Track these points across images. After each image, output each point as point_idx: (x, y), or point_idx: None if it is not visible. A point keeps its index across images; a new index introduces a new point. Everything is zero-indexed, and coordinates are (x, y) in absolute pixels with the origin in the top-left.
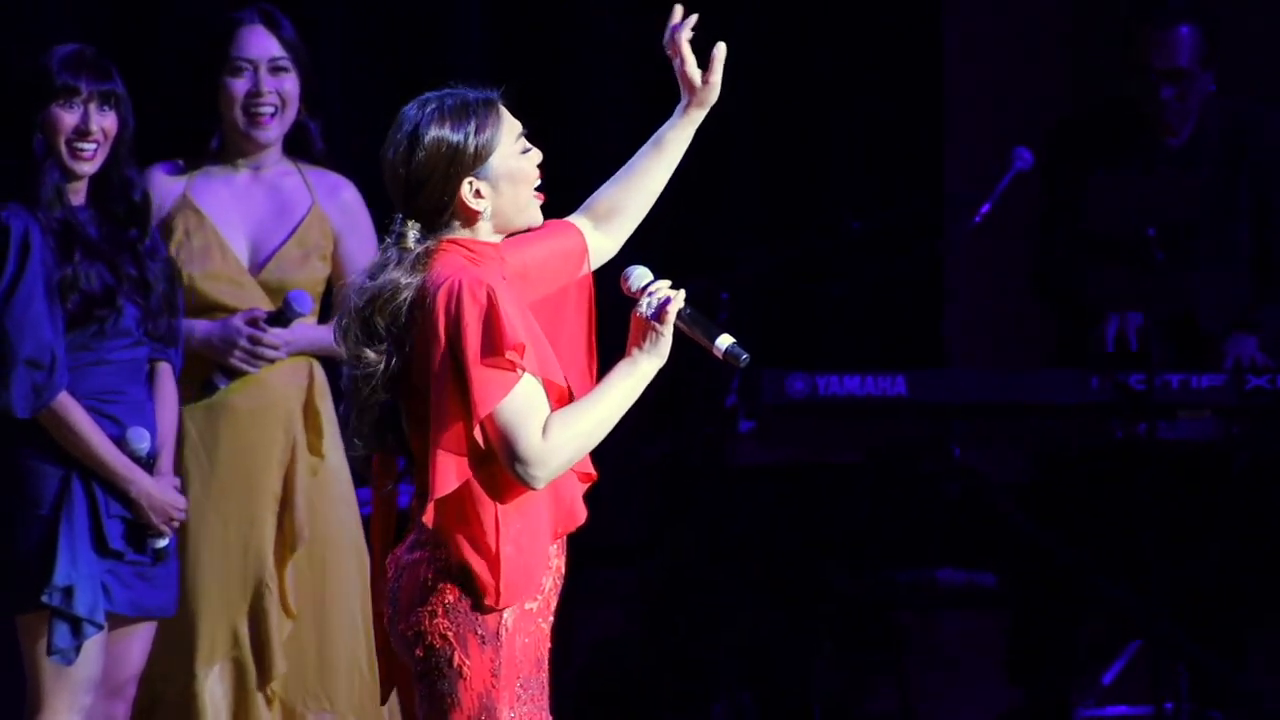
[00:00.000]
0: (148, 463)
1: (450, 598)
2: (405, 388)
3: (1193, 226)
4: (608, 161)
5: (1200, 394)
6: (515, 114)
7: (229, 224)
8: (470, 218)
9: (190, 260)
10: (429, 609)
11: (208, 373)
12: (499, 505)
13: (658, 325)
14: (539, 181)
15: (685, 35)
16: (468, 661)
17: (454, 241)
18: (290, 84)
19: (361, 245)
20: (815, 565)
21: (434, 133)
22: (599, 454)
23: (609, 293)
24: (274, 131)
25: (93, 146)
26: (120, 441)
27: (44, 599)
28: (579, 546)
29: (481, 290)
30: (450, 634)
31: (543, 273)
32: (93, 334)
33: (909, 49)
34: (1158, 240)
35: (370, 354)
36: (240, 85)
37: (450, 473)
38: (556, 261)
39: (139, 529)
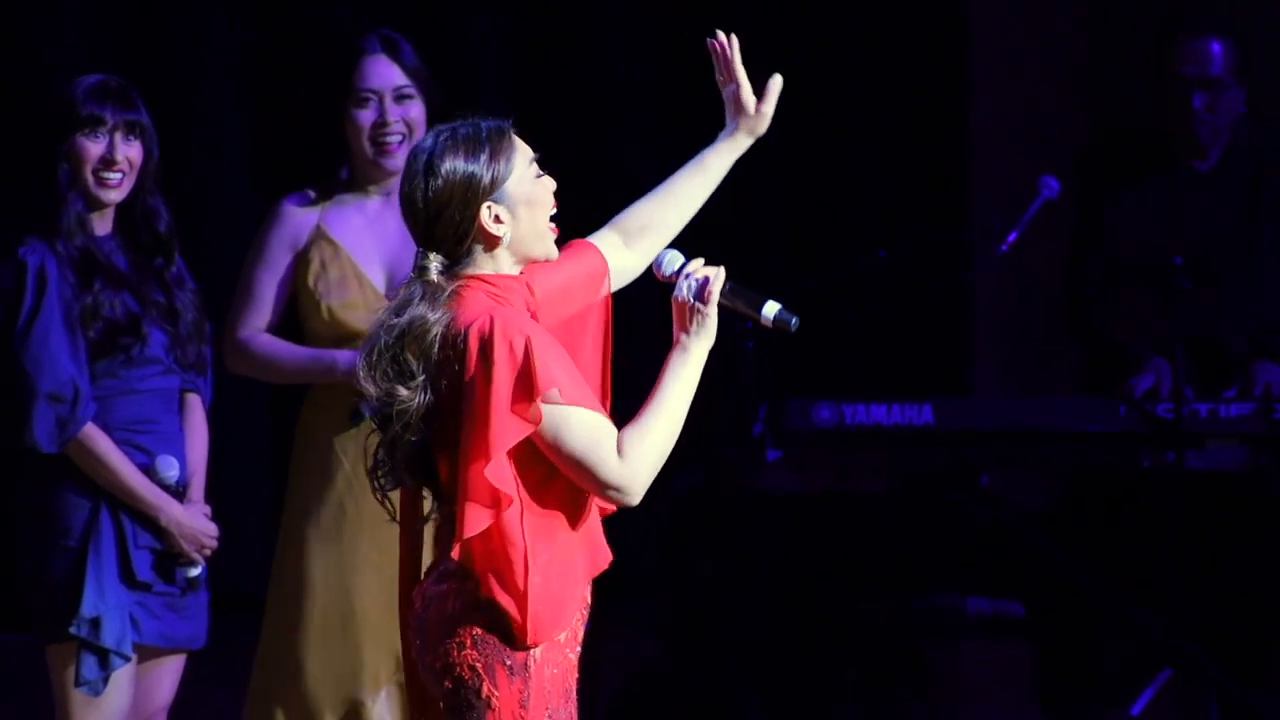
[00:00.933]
0: (177, 491)
1: (478, 630)
2: (436, 424)
3: (1220, 251)
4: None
5: (1228, 423)
6: (532, 142)
7: (364, 253)
8: (491, 243)
9: (328, 291)
10: (457, 641)
11: (353, 403)
12: (528, 544)
13: (702, 307)
14: (554, 209)
15: (737, 60)
16: (496, 693)
17: (478, 278)
18: (416, 111)
19: None
20: (841, 594)
21: (449, 162)
22: None
23: (629, 309)
24: (402, 159)
25: (118, 176)
26: (149, 471)
27: (72, 630)
28: (605, 576)
29: (518, 336)
30: (479, 665)
31: (564, 297)
32: (120, 363)
33: (935, 78)
34: (1185, 268)
35: (403, 391)
36: (366, 116)
37: (479, 513)
38: (577, 285)
39: (168, 560)
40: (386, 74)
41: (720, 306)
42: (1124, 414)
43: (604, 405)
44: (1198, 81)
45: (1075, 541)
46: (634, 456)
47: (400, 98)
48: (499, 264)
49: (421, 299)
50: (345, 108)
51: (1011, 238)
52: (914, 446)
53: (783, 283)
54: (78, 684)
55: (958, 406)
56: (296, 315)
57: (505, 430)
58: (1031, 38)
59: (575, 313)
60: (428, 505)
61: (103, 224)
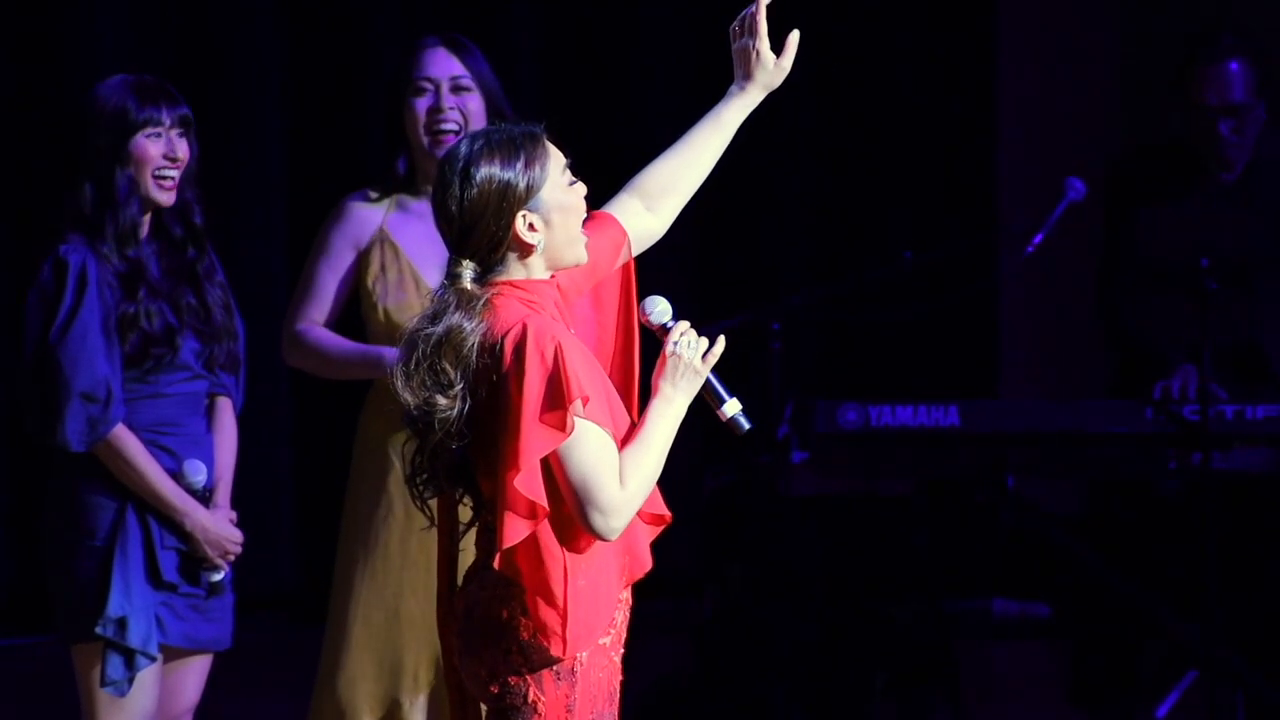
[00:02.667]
0: (204, 495)
1: (524, 635)
2: (475, 431)
3: (1251, 258)
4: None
5: (1255, 424)
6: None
7: (422, 256)
8: (525, 251)
9: (386, 293)
10: (503, 647)
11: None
12: (567, 554)
13: (700, 368)
14: (585, 214)
15: (763, 14)
16: (543, 698)
17: (510, 284)
18: (474, 103)
19: None
20: (869, 596)
21: (484, 170)
22: (660, 484)
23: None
24: None
25: (176, 174)
26: (176, 475)
27: (97, 630)
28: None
29: (549, 344)
30: (525, 671)
31: (588, 275)
32: (149, 369)
33: (962, 81)
34: (1211, 271)
35: (442, 400)
36: (422, 104)
37: (518, 524)
38: (601, 259)
39: (194, 561)
40: (444, 64)
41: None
42: (1150, 416)
43: (633, 373)
44: (1222, 110)
45: (1101, 542)
46: (632, 487)
47: (457, 88)
48: (531, 270)
49: (456, 307)
50: (404, 99)
51: (1037, 239)
52: (940, 448)
53: (809, 286)
54: (103, 684)
55: (984, 408)
56: (359, 313)
57: (535, 440)
58: (1059, 41)
59: (597, 283)
60: (467, 512)
61: (144, 227)
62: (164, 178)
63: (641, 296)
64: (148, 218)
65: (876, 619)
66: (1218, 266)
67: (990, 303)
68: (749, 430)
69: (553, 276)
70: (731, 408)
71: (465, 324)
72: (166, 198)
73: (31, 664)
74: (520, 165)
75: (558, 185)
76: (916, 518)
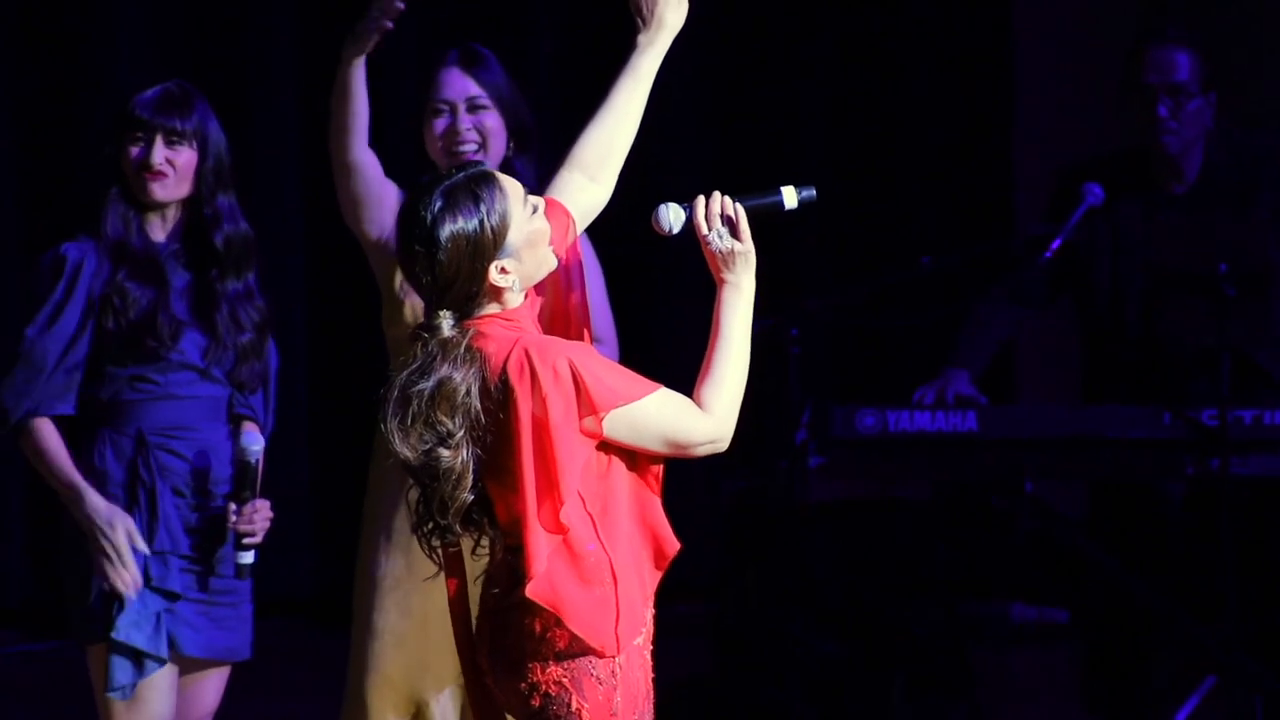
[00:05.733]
0: (253, 469)
1: (561, 644)
2: (490, 473)
3: (1196, 271)
4: None
5: (1273, 430)
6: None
7: None
8: (500, 294)
9: (407, 293)
10: (541, 658)
11: None
12: (610, 555)
13: (740, 247)
14: (551, 233)
15: None
16: (586, 705)
17: (488, 318)
18: (491, 120)
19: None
20: (886, 601)
21: (448, 229)
22: (680, 488)
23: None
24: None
25: (158, 180)
26: (238, 447)
27: (107, 633)
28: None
29: (561, 360)
30: (565, 680)
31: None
32: (152, 367)
33: (980, 85)
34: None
35: (444, 452)
36: (440, 125)
37: (543, 547)
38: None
39: (198, 566)
40: (460, 85)
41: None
42: (1168, 421)
43: (587, 335)
44: (1162, 88)
45: (1119, 547)
46: (717, 407)
47: (473, 108)
48: (508, 302)
49: (442, 358)
50: (425, 120)
51: (1055, 244)
52: (958, 453)
53: (826, 290)
54: (109, 689)
55: (1002, 413)
56: (380, 323)
57: (571, 459)
58: (1076, 45)
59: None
60: (477, 545)
61: (161, 226)
62: (144, 179)
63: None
64: (166, 217)
65: (894, 624)
66: (1163, 280)
67: None
68: (813, 195)
69: (526, 295)
70: (790, 199)
71: (455, 375)
72: (156, 191)
73: (50, 669)
74: (482, 215)
75: (521, 222)
76: (934, 523)
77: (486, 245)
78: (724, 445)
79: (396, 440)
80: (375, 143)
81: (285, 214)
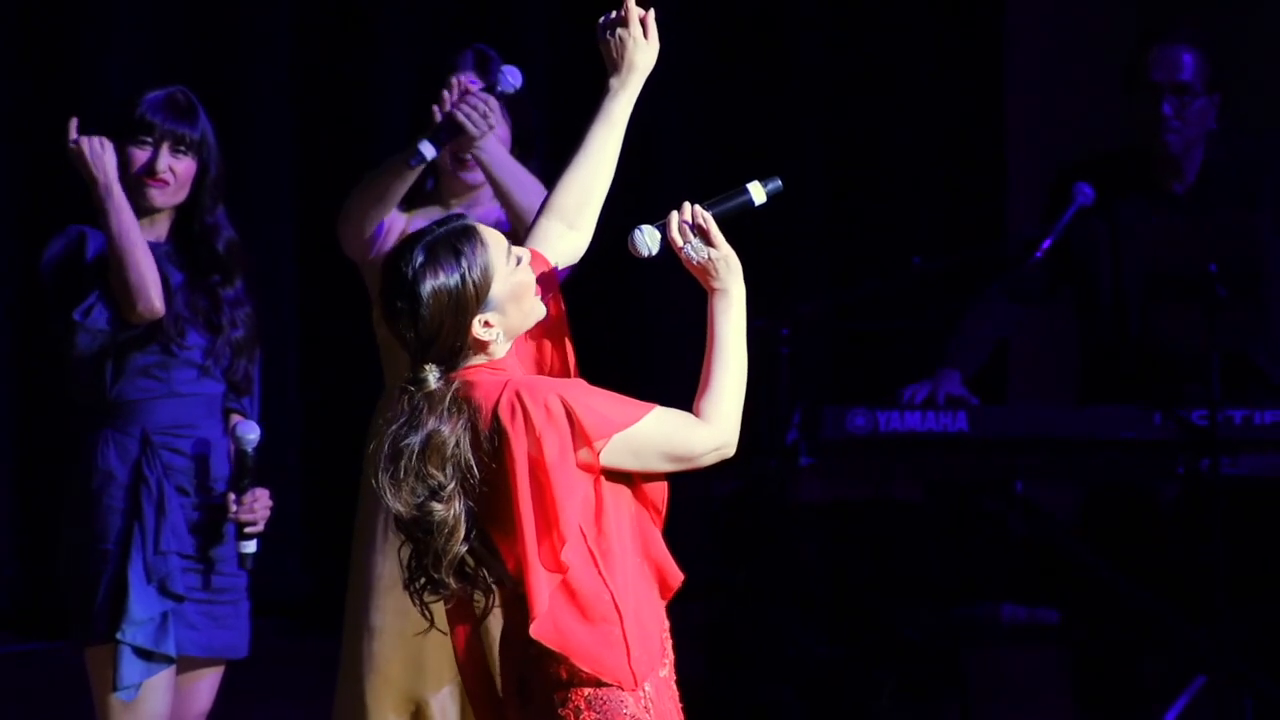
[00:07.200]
0: (252, 459)
1: (588, 690)
2: (492, 520)
3: (1189, 272)
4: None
5: (1263, 430)
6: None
7: None
8: (484, 347)
9: None
10: (572, 706)
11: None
12: (613, 591)
13: (717, 254)
14: (533, 283)
15: (633, 4)
16: None
17: (473, 368)
18: (498, 130)
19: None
20: (877, 601)
21: (430, 285)
22: (671, 489)
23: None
24: (480, 174)
25: (161, 186)
26: (235, 436)
27: (118, 635)
28: None
29: (552, 397)
30: None
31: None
32: (157, 364)
33: (972, 92)
34: (1219, 278)
35: (437, 506)
36: None
37: (544, 587)
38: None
39: (200, 564)
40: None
41: (719, 221)
42: (1159, 422)
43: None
44: (1168, 86)
45: (1109, 548)
46: (717, 415)
47: None
48: (493, 354)
49: (429, 411)
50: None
51: (1046, 244)
52: (948, 454)
53: (818, 291)
54: (118, 688)
55: (992, 414)
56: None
57: (569, 496)
58: (1069, 45)
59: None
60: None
61: (154, 229)
62: (148, 185)
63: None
64: (158, 220)
65: (885, 625)
66: (1169, 277)
67: None
68: (779, 186)
69: (511, 344)
70: (757, 195)
71: (443, 428)
72: (155, 196)
73: (43, 670)
74: (464, 270)
75: (504, 275)
76: (925, 523)
77: (469, 300)
78: (730, 451)
79: (389, 495)
80: (375, 142)
81: (277, 216)
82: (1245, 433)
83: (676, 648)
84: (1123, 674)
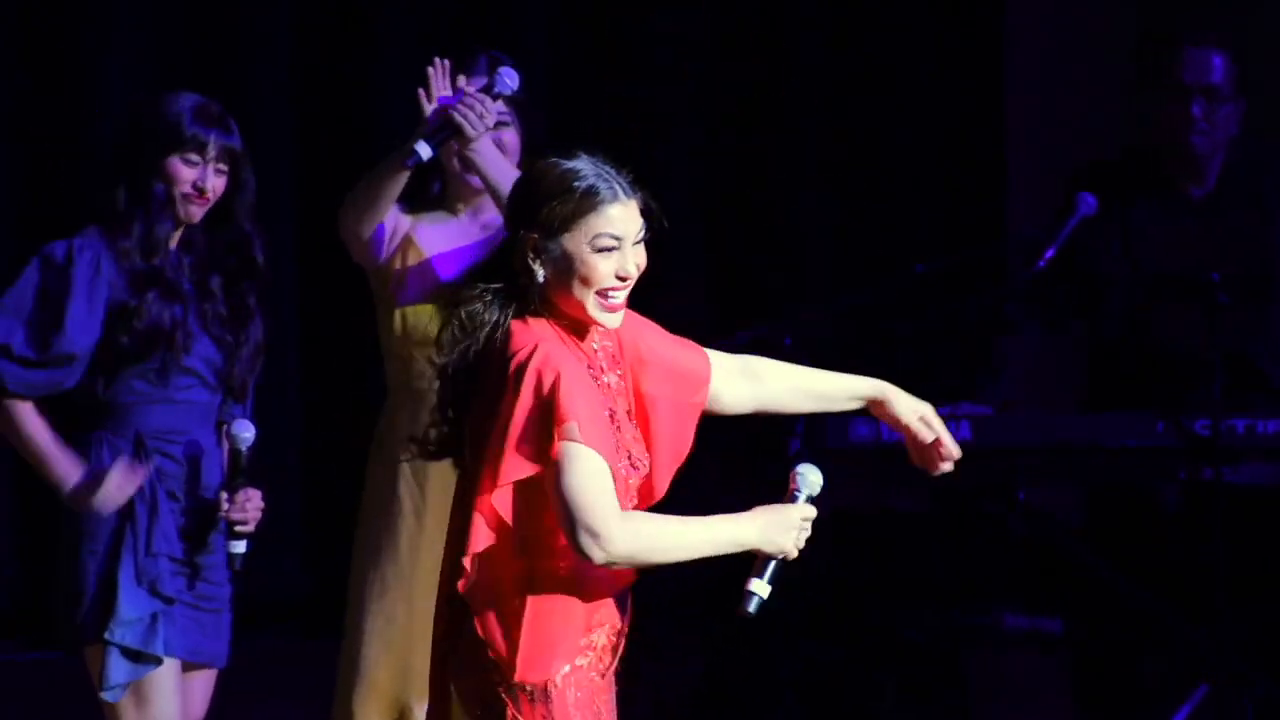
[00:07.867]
0: (245, 458)
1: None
2: (472, 430)
3: (1226, 272)
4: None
5: (1265, 439)
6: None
7: (445, 265)
8: (524, 274)
9: (403, 294)
10: (483, 667)
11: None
12: (527, 579)
13: (785, 545)
14: (606, 284)
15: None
16: (520, 718)
17: (539, 320)
18: (509, 136)
19: None
20: (880, 609)
21: (566, 167)
22: (674, 495)
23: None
24: None
25: (200, 204)
26: (227, 433)
27: (105, 635)
28: (645, 590)
29: (550, 371)
30: (502, 691)
31: (659, 371)
32: (155, 371)
33: (972, 93)
34: (1222, 285)
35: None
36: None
37: (484, 533)
38: (678, 370)
39: (188, 569)
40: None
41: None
42: (1161, 430)
43: (678, 453)
44: (1198, 89)
45: (1112, 555)
46: (632, 528)
47: (497, 125)
48: (551, 309)
49: (491, 287)
50: None
51: (1049, 254)
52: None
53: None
54: (103, 689)
55: (995, 422)
56: (377, 330)
57: (516, 462)
58: (1069, 51)
59: (674, 403)
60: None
61: (174, 240)
62: (191, 200)
63: None
64: (179, 232)
65: (887, 632)
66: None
67: (1002, 316)
68: (749, 614)
69: (629, 330)
70: (759, 588)
71: (484, 314)
72: (195, 212)
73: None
74: (562, 197)
75: (578, 241)
76: (927, 531)
77: (538, 216)
78: (597, 558)
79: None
80: (375, 142)
81: (277, 216)
82: (1248, 441)
83: (678, 648)
84: (1123, 676)
